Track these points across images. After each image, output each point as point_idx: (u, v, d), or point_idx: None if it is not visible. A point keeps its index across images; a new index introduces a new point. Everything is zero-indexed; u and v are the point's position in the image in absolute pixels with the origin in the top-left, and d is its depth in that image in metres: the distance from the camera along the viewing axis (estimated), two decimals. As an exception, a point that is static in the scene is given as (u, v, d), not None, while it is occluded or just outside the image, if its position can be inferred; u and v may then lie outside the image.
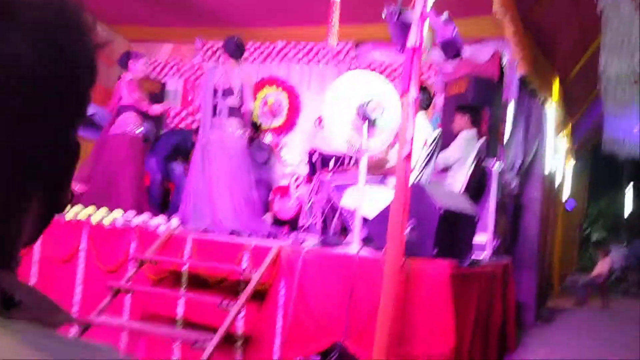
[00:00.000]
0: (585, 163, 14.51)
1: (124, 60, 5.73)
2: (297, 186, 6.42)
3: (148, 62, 6.07)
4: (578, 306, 10.33)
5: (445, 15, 3.21)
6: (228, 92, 5.00)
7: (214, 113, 4.98)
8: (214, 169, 4.90)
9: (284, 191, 6.71)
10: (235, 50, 5.10)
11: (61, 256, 4.70)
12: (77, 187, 5.35)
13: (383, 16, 3.37)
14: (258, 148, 7.12)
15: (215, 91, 4.99)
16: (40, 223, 0.57)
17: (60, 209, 0.58)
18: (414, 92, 3.09)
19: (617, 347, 6.40)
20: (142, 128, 5.57)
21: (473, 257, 4.50)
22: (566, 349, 6.12)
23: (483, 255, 5.17)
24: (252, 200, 5.07)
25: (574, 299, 10.75)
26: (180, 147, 6.85)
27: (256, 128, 7.23)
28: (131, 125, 5.49)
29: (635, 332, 6.98)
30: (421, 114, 4.84)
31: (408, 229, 3.70)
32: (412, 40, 3.11)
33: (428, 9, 3.21)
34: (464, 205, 4.27)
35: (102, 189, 5.27)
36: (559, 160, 9.56)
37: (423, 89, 5.05)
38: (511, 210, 6.74)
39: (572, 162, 11.75)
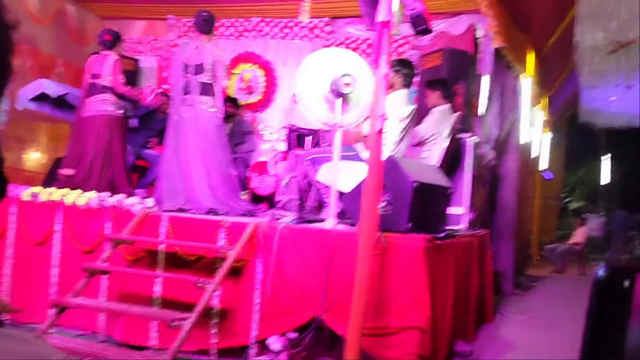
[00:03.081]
0: (562, 134, 14.63)
1: (115, 41, 5.57)
2: (275, 162, 6.41)
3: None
4: (556, 274, 10.53)
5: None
6: (199, 69, 4.90)
7: (186, 90, 4.91)
8: (189, 147, 4.84)
9: (262, 168, 6.70)
10: (204, 25, 4.98)
11: (36, 238, 4.67)
12: (66, 171, 5.29)
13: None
14: (239, 125, 7.09)
15: (187, 67, 4.90)
16: None
17: None
18: (384, 67, 3.08)
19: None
20: (117, 109, 5.47)
21: (450, 228, 4.56)
22: (544, 315, 6.25)
23: (460, 227, 5.23)
24: (229, 178, 5.02)
25: (552, 266, 10.95)
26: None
27: (236, 105, 7.19)
28: (112, 105, 5.40)
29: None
30: (402, 92, 4.83)
31: (382, 203, 3.74)
32: (381, 15, 3.09)
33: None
34: (437, 177, 4.31)
35: (85, 172, 5.21)
36: (535, 132, 9.64)
37: (408, 64, 5.03)
38: (488, 182, 6.81)
39: (549, 133, 11.85)
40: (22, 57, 6.55)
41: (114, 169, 5.29)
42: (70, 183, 5.07)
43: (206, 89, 4.91)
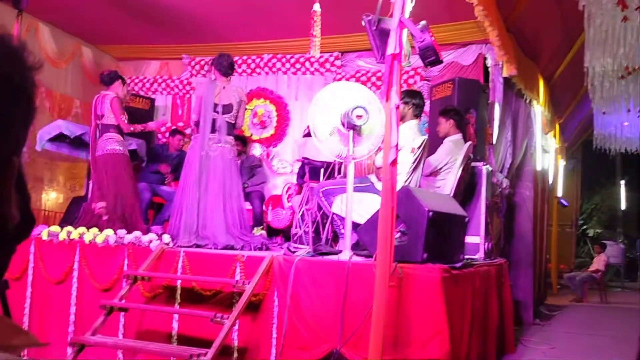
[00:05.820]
0: (576, 161, 14.58)
1: (112, 79, 5.71)
2: (289, 195, 6.44)
3: (128, 88, 6.10)
4: (576, 302, 10.36)
5: (421, 24, 3.24)
6: (227, 109, 5.11)
7: (213, 128, 5.05)
8: (214, 184, 4.95)
9: (277, 201, 6.73)
10: (228, 68, 5.22)
11: (55, 277, 4.71)
12: (99, 204, 5.34)
13: (363, 24, 3.41)
14: (248, 160, 7.17)
15: (216, 106, 5.06)
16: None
17: (14, 233, 0.60)
18: (395, 99, 3.12)
19: (618, 341, 6.42)
20: (121, 147, 5.52)
21: (466, 257, 4.53)
22: (565, 345, 6.14)
23: (477, 256, 5.20)
24: (243, 213, 5.13)
25: (572, 295, 10.78)
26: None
27: (244, 143, 7.29)
28: (115, 143, 5.47)
29: (635, 325, 7.00)
30: (413, 123, 4.88)
31: (397, 234, 3.74)
32: (391, 48, 3.14)
33: (406, 15, 3.25)
34: (452, 206, 4.30)
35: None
36: (550, 159, 9.62)
37: (417, 95, 5.09)
38: (504, 210, 6.78)
39: (563, 160, 11.82)
40: (40, 99, 6.70)
41: (125, 207, 5.34)
42: (93, 219, 5.14)
43: (230, 128, 5.13)
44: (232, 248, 4.64)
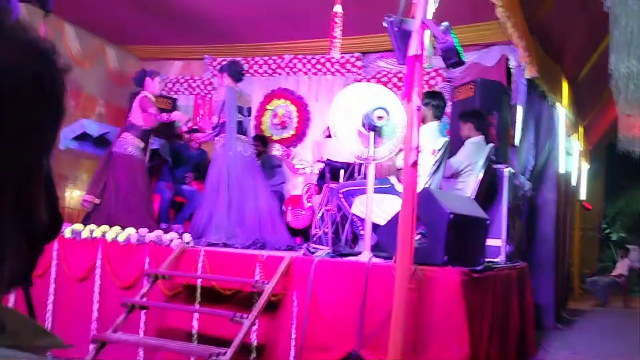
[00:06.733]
0: (600, 164, 14.35)
1: (140, 78, 5.79)
2: (309, 196, 6.45)
3: (163, 80, 6.14)
4: (599, 307, 10.21)
5: (443, 25, 3.22)
6: (249, 112, 5.36)
7: (239, 130, 5.24)
8: (245, 183, 5.12)
9: (297, 201, 6.75)
10: (240, 74, 5.42)
11: (77, 274, 4.77)
12: (94, 200, 5.43)
13: (384, 25, 3.39)
14: (269, 160, 7.21)
15: (241, 110, 5.23)
16: (27, 250, 0.59)
17: (42, 234, 0.60)
18: (416, 100, 3.11)
19: (640, 347, 6.31)
20: (137, 152, 5.61)
21: (487, 260, 4.49)
22: (587, 351, 6.05)
23: (498, 259, 5.15)
24: (275, 210, 5.30)
25: (594, 300, 10.63)
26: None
27: (265, 143, 7.33)
28: (131, 146, 5.55)
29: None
30: (434, 124, 4.85)
31: (418, 236, 3.72)
32: (413, 49, 3.13)
33: (430, 16, 3.23)
34: (473, 208, 4.27)
35: (111, 207, 5.38)
36: (573, 162, 9.49)
37: (438, 96, 5.06)
38: (526, 213, 6.70)
39: (586, 163, 11.65)
40: (65, 98, 6.80)
41: (136, 208, 5.42)
42: (100, 217, 5.21)
43: (250, 130, 5.25)
44: (261, 244, 4.79)
